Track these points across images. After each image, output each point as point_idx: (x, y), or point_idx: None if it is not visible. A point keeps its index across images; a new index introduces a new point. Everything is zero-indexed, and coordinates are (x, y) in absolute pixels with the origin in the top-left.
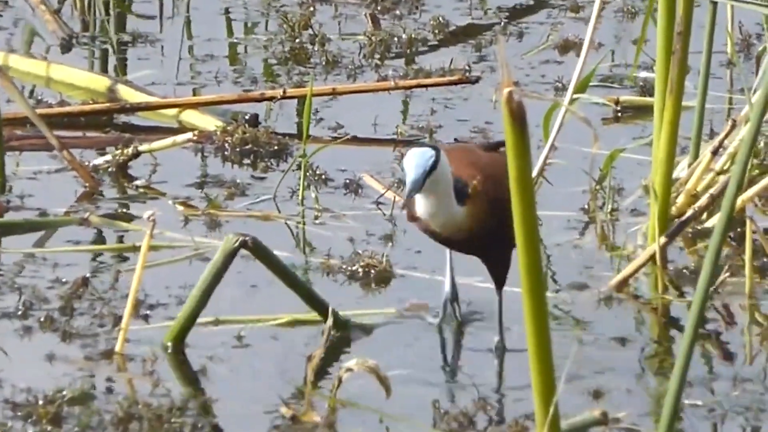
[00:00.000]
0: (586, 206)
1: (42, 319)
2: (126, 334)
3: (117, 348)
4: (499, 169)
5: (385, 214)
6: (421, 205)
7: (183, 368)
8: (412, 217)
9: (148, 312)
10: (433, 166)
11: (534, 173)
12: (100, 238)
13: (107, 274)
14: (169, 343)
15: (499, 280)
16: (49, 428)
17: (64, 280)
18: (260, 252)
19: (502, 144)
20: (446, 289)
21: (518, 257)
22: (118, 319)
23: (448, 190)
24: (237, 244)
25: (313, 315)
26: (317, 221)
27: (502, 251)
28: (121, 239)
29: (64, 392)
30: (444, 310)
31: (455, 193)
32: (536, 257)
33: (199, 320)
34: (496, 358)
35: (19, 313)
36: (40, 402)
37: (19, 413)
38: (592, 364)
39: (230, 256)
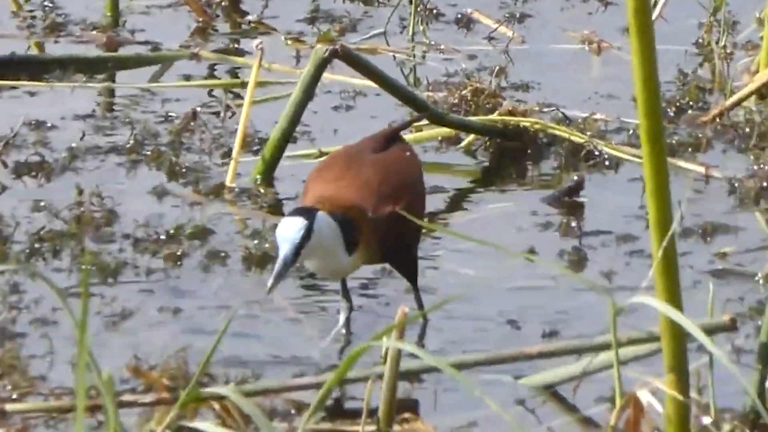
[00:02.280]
0: (701, 40)
1: (151, 153)
2: (236, 168)
3: (227, 181)
4: (397, 177)
5: (495, 48)
6: (306, 261)
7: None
8: None
9: (257, 147)
10: (305, 237)
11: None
12: (211, 74)
13: (217, 109)
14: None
15: (412, 279)
16: (171, 264)
17: (174, 114)
18: (352, 59)
19: (403, 127)
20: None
21: (637, 97)
22: (227, 154)
23: (333, 248)
24: (327, 54)
25: None
26: (426, 56)
27: (406, 257)
28: (235, 75)
29: (184, 227)
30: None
31: (344, 242)
32: (655, 96)
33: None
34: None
35: (129, 146)
36: (162, 237)
37: (141, 248)
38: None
39: (321, 67)
